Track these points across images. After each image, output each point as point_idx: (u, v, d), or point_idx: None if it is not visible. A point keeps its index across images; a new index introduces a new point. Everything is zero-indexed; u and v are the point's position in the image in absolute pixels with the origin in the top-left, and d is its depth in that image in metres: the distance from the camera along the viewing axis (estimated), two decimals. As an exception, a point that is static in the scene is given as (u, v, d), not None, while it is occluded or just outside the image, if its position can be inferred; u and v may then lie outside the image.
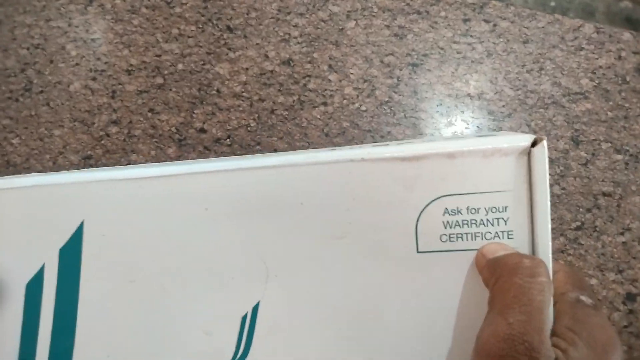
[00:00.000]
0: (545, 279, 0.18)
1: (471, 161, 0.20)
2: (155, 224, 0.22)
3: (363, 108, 0.43)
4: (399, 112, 0.43)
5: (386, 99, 0.43)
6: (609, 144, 0.40)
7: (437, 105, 0.43)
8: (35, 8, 0.50)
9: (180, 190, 0.21)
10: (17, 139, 0.45)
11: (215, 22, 0.47)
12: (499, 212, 0.20)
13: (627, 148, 0.40)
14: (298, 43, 0.46)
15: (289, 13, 0.46)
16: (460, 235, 0.20)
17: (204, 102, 0.44)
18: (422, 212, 0.20)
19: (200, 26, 0.47)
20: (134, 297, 0.22)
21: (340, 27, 0.46)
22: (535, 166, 0.19)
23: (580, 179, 0.39)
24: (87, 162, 0.43)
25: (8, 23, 0.50)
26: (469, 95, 0.43)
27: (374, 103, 0.43)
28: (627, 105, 0.41)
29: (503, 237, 0.20)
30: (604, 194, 0.39)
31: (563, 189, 0.39)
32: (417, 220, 0.20)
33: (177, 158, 0.43)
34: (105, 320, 0.22)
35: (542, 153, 0.19)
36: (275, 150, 0.42)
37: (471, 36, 0.45)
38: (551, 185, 0.40)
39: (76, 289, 0.22)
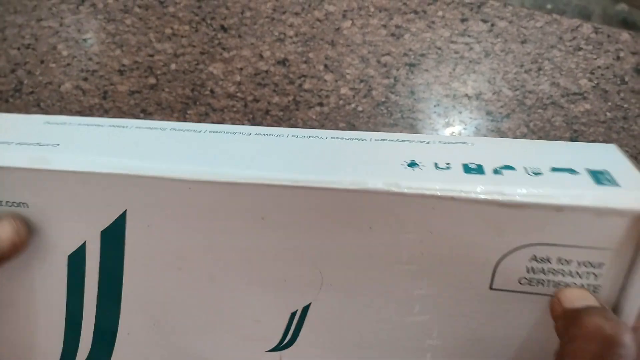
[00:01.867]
0: (627, 350, 0.16)
1: (580, 217, 0.17)
2: (204, 225, 0.20)
3: (359, 109, 0.42)
4: (396, 113, 0.42)
5: (383, 100, 0.42)
6: (609, 145, 0.40)
7: (435, 106, 0.42)
8: (26, 8, 0.49)
9: (235, 198, 0.19)
10: (7, 140, 0.44)
11: (209, 21, 0.46)
12: (593, 267, 0.18)
13: (627, 149, 0.40)
14: (293, 43, 0.45)
15: (284, 12, 0.46)
16: (542, 281, 0.18)
17: (197, 103, 0.43)
18: (506, 255, 0.18)
19: (194, 26, 0.46)
20: (182, 281, 0.21)
21: (337, 27, 0.45)
22: None
23: (579, 180, 0.39)
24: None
25: (-2, 23, 0.49)
26: (466, 95, 0.42)
27: (371, 103, 0.42)
28: (625, 105, 0.41)
29: (589, 290, 0.18)
30: (604, 195, 0.38)
31: (562, 190, 0.39)
32: (499, 262, 0.18)
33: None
34: (152, 297, 0.22)
35: None
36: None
37: (469, 36, 0.44)
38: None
39: (120, 267, 0.22)
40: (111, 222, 0.21)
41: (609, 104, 0.41)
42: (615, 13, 0.68)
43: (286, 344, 0.22)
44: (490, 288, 0.19)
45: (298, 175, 0.19)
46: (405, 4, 0.45)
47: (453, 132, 0.41)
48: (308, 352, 0.22)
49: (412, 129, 0.42)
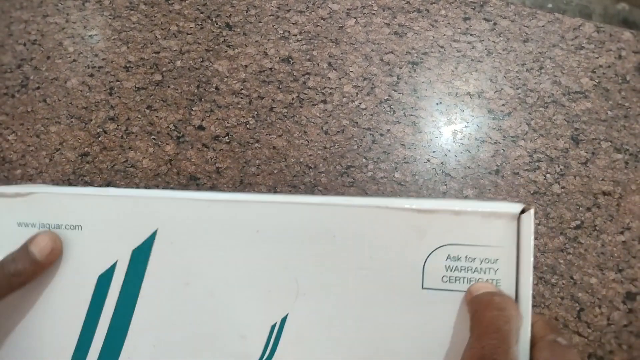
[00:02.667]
0: (512, 312, 0.22)
1: (472, 219, 0.23)
2: (216, 239, 0.26)
3: (362, 106, 0.43)
4: (399, 111, 0.42)
5: (386, 97, 0.43)
6: (609, 143, 0.40)
7: (437, 104, 0.43)
8: (32, 4, 0.49)
9: (239, 214, 0.26)
10: (13, 135, 0.44)
11: (214, 19, 0.47)
12: (491, 263, 0.23)
13: (627, 147, 0.40)
14: (297, 41, 0.46)
15: (288, 10, 0.46)
16: (458, 278, 0.24)
17: (203, 99, 0.44)
18: (429, 255, 0.24)
19: (199, 23, 0.47)
20: (187, 297, 0.26)
21: (340, 25, 0.46)
22: (523, 229, 0.23)
23: (580, 177, 0.39)
24: (84, 159, 0.43)
25: (4, 19, 0.49)
26: (468, 93, 0.42)
27: (374, 101, 0.43)
28: (627, 104, 0.41)
29: (492, 283, 0.23)
30: (604, 193, 0.39)
31: (563, 187, 0.39)
32: (425, 262, 0.24)
33: (175, 155, 0.42)
34: (158, 315, 0.26)
35: (529, 219, 0.23)
36: (274, 148, 0.42)
37: (471, 35, 0.45)
38: (551, 184, 0.40)
39: (139, 286, 0.26)
40: (142, 241, 0.26)
41: (610, 102, 0.42)
42: (616, 12, 0.68)
43: (265, 358, 0.26)
44: (422, 287, 0.24)
45: (284, 197, 0.26)
46: (408, 2, 0.46)
47: (455, 130, 0.42)
48: None
49: (414, 126, 0.42)
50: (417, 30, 0.45)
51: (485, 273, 0.24)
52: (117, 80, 0.45)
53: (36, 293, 0.27)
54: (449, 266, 0.24)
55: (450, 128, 0.42)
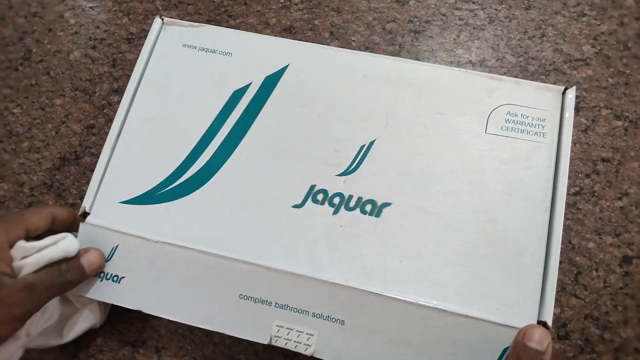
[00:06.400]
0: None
1: (529, 88, 0.33)
2: (331, 78, 0.34)
3: (365, 75, 0.43)
4: (401, 80, 0.43)
5: (388, 67, 0.43)
6: (609, 110, 0.41)
7: (439, 73, 0.43)
8: (31, -25, 0.49)
9: (353, 61, 0.35)
10: (18, 108, 0.45)
11: (215, -12, 0.46)
12: (540, 121, 0.32)
13: (627, 114, 0.40)
14: (299, 10, 0.45)
15: (289, -21, 0.46)
16: (514, 128, 0.32)
17: (206, 70, 0.44)
18: (494, 109, 0.33)
19: (200, -7, 0.46)
20: (299, 116, 0.34)
21: (342, -6, 0.45)
22: (566, 99, 0.32)
23: (579, 144, 0.40)
24: (90, 131, 0.43)
25: (4, -9, 0.49)
26: (470, 62, 0.43)
27: (376, 70, 0.43)
28: (628, 71, 0.42)
29: (539, 135, 0.32)
30: (603, 160, 0.39)
31: (563, 155, 0.40)
32: (490, 113, 0.33)
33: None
34: (275, 125, 0.34)
35: (572, 94, 0.32)
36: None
37: (473, 2, 0.44)
38: (551, 152, 0.40)
39: (264, 103, 0.34)
40: (276, 70, 0.34)
41: (611, 69, 0.42)
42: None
43: (351, 170, 0.32)
44: (485, 132, 0.32)
45: (389, 57, 0.35)
46: (410, -31, 0.45)
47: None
48: (363, 178, 0.32)
49: (417, 95, 0.42)
50: (419, -1, 0.45)
51: (534, 127, 0.32)
52: (120, 52, 0.46)
53: (176, 92, 0.35)
54: (508, 119, 0.32)
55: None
